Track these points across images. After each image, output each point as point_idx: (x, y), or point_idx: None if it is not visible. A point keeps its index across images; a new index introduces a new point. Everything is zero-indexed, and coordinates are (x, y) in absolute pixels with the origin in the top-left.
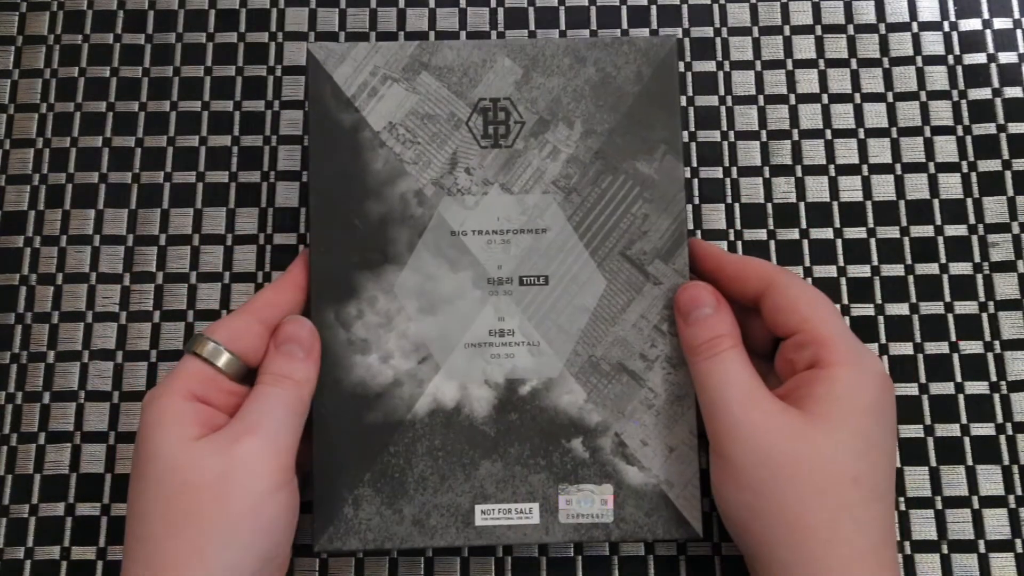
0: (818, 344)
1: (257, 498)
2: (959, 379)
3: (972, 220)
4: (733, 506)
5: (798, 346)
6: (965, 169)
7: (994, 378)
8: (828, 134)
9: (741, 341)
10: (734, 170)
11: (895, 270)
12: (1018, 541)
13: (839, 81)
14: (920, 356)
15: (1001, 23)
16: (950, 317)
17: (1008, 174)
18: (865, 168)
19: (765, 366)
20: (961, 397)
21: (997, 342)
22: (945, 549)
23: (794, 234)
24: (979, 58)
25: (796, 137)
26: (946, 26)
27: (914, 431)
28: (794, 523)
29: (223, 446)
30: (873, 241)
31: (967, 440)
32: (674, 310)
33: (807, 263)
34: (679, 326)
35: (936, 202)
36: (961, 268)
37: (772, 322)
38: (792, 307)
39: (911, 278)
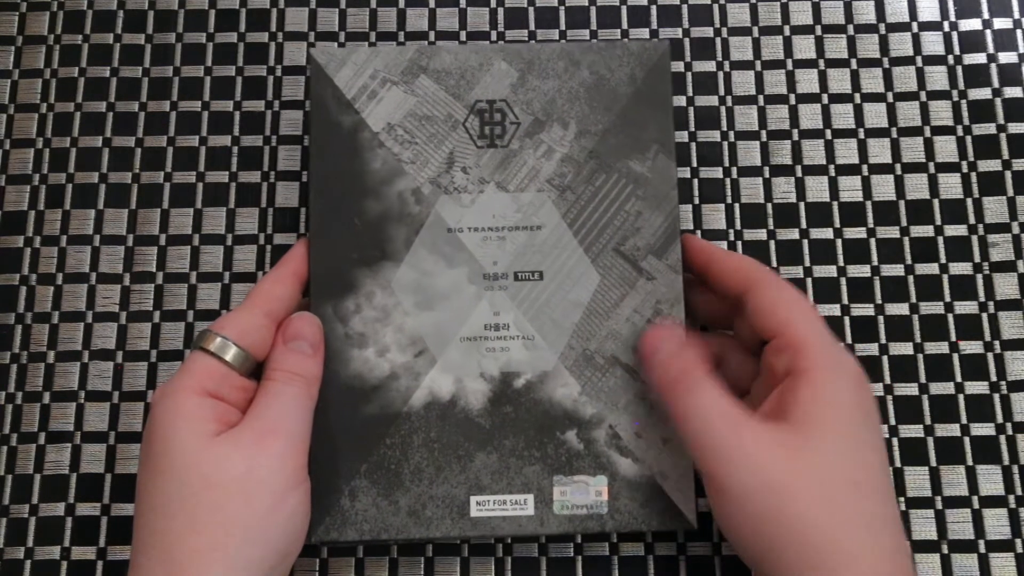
0: (794, 348)
1: (279, 496)
2: (959, 379)
3: (972, 220)
4: (744, 539)
5: (777, 351)
6: (965, 169)
7: (994, 378)
8: (828, 134)
9: (713, 370)
10: (734, 170)
11: (895, 270)
12: (1018, 541)
13: (839, 81)
14: (920, 356)
15: (1001, 23)
16: (950, 317)
17: (1008, 174)
18: (865, 168)
19: (755, 365)
20: (961, 397)
21: (997, 342)
22: (945, 549)
23: (794, 234)
24: (979, 58)
25: (796, 137)
26: (946, 26)
27: (914, 431)
28: (808, 542)
29: (246, 445)
30: (873, 241)
31: (967, 440)
32: (640, 359)
33: (807, 263)
34: (647, 373)
35: (936, 202)
36: (961, 268)
37: (753, 323)
38: (771, 309)
39: (911, 278)
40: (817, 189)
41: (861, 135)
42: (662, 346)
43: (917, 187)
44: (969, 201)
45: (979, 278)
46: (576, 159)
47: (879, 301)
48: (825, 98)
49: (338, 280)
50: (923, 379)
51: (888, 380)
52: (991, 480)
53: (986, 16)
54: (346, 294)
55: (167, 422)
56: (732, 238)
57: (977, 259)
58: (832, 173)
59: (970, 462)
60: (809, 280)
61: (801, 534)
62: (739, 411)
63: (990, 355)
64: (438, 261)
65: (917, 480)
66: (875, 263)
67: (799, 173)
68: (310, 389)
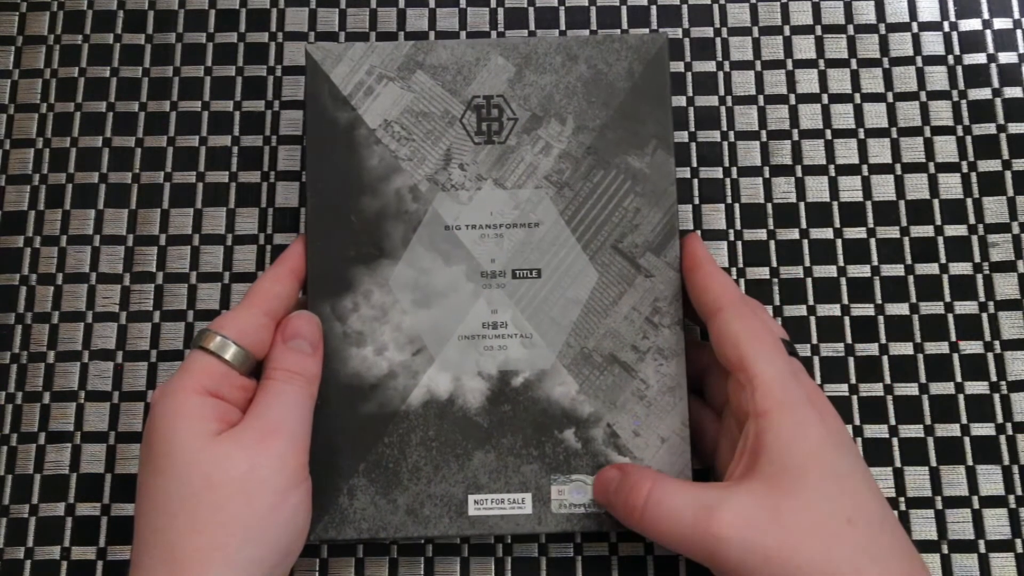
0: (752, 387)
1: (280, 495)
2: (959, 379)
3: (972, 220)
4: None
5: (739, 386)
6: (965, 169)
7: (994, 378)
8: (828, 134)
9: (664, 475)
10: (734, 170)
11: (895, 270)
12: (1018, 541)
13: (839, 81)
14: (920, 356)
15: (1001, 23)
16: (950, 317)
17: (1008, 174)
18: (865, 168)
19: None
20: (961, 397)
21: (997, 342)
22: (945, 549)
23: (794, 234)
24: (979, 58)
25: (796, 137)
26: (946, 26)
27: (914, 431)
28: None
29: (248, 444)
30: (873, 241)
31: (967, 440)
32: (600, 503)
33: (807, 263)
34: (612, 513)
35: (936, 202)
36: (961, 268)
37: (716, 350)
38: (733, 340)
39: (911, 278)
40: (817, 189)
41: (861, 135)
42: (609, 486)
43: (917, 187)
44: (969, 201)
45: (979, 278)
46: (574, 155)
47: (879, 301)
48: (825, 98)
49: (336, 278)
50: (923, 379)
51: (888, 380)
52: (991, 480)
53: (986, 16)
54: (344, 292)
55: (168, 421)
56: (732, 238)
57: (977, 259)
58: (832, 173)
59: (970, 462)
60: (809, 280)
61: None
62: (710, 494)
63: (990, 355)
64: (436, 259)
65: (917, 480)
66: (875, 263)
67: (799, 173)
68: (310, 388)
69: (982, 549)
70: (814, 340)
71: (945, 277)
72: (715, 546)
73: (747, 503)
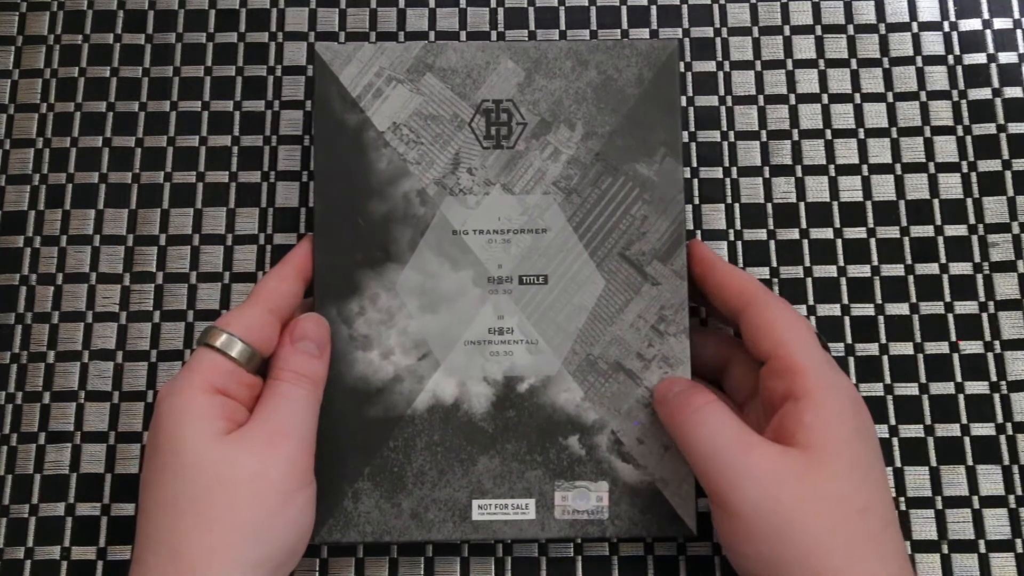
0: (791, 372)
1: (287, 496)
2: (959, 379)
3: (972, 220)
4: (751, 562)
5: (774, 373)
6: (965, 169)
7: (994, 378)
8: (828, 134)
9: (721, 398)
10: (734, 170)
11: (895, 270)
12: (1018, 541)
13: (839, 81)
14: (920, 356)
15: (1001, 23)
16: (950, 317)
17: (1008, 174)
18: (865, 168)
19: (757, 379)
20: (961, 397)
21: (997, 342)
22: (945, 549)
23: (794, 234)
24: (979, 58)
25: (796, 137)
26: (946, 26)
27: (914, 431)
28: (814, 566)
29: (257, 446)
30: (873, 241)
31: (967, 440)
32: (654, 406)
33: (807, 263)
34: (660, 413)
35: (936, 202)
36: (961, 268)
37: (749, 341)
38: (768, 328)
39: (911, 278)
40: (817, 189)
41: (861, 135)
42: (672, 388)
43: (917, 187)
44: (969, 201)
45: (979, 278)
46: (582, 161)
47: (879, 301)
48: (825, 98)
49: (342, 282)
50: (923, 379)
51: (888, 380)
52: (991, 480)
53: (986, 16)
54: (350, 296)
55: (175, 419)
56: (732, 238)
57: (977, 259)
58: (832, 173)
59: (970, 462)
60: (809, 280)
61: (807, 558)
62: (748, 433)
63: (990, 355)
64: (443, 263)
65: (917, 480)
66: (875, 263)
67: (799, 173)
68: (317, 391)
69: (982, 549)
70: None
71: (945, 277)
72: (738, 475)
73: (782, 457)
